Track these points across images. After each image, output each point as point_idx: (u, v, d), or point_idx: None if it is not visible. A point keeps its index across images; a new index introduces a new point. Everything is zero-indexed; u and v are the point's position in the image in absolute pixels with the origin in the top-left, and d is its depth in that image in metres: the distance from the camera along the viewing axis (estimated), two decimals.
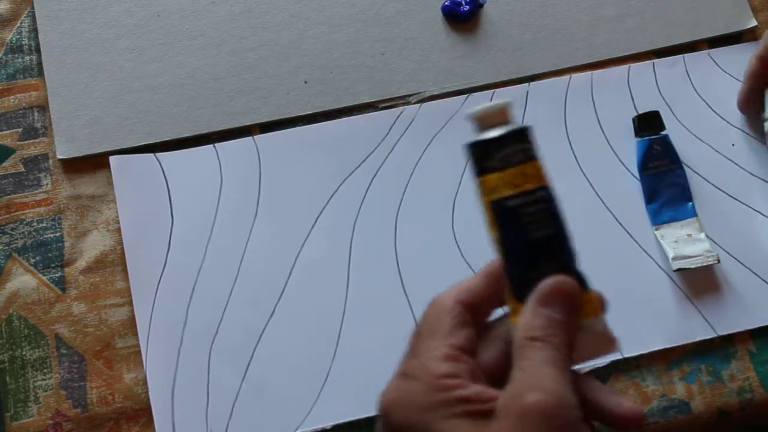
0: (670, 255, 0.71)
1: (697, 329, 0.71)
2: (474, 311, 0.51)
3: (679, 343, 0.70)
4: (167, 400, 0.68)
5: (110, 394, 0.69)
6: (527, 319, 0.48)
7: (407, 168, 0.75)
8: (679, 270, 0.71)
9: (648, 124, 0.75)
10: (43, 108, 0.77)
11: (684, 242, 0.72)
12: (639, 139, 0.75)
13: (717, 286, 0.72)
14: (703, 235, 0.72)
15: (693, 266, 0.71)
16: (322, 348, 0.70)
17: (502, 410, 0.46)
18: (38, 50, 0.79)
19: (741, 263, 0.72)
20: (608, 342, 0.49)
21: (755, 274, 0.72)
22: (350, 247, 0.73)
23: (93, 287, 0.72)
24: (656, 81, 0.78)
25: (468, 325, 0.50)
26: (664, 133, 0.74)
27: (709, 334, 0.71)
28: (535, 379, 0.46)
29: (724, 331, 0.71)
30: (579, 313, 0.48)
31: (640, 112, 0.75)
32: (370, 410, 0.68)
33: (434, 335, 0.50)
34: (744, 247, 0.73)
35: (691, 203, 0.73)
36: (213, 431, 0.68)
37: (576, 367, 0.48)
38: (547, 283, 0.48)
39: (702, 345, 0.71)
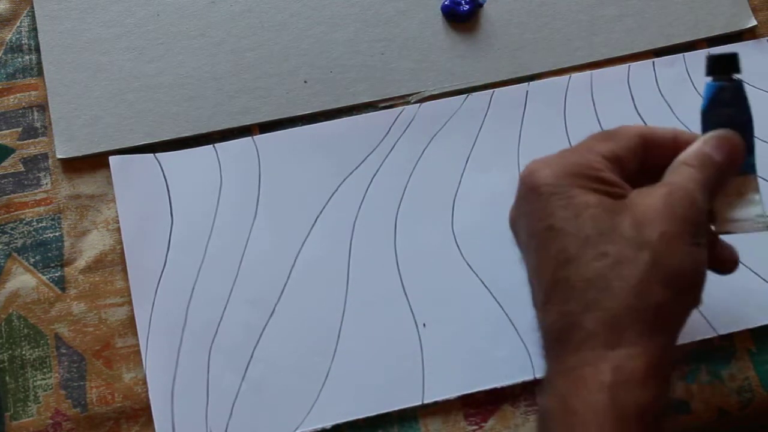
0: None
1: (697, 329, 0.71)
2: (648, 150, 0.58)
3: (679, 343, 0.70)
4: (167, 400, 0.68)
5: (110, 393, 0.69)
6: (689, 149, 0.57)
7: (407, 168, 0.75)
8: (723, 233, 0.63)
9: (723, 66, 0.64)
10: (43, 107, 0.77)
11: (737, 202, 0.63)
12: (709, 81, 0.64)
13: (717, 286, 0.71)
14: (758, 197, 0.63)
15: (740, 232, 0.62)
16: (322, 348, 0.70)
17: (635, 194, 0.55)
18: (38, 50, 0.79)
19: (741, 263, 0.72)
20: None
21: (755, 273, 0.72)
22: (350, 247, 0.73)
23: (93, 287, 0.72)
24: (656, 80, 0.78)
25: (636, 153, 0.58)
26: (738, 77, 0.64)
27: (709, 334, 0.71)
28: (673, 181, 0.55)
29: (724, 331, 0.71)
30: (736, 166, 0.58)
31: (715, 53, 0.64)
32: (370, 410, 0.69)
33: (602, 141, 0.58)
34: (744, 246, 0.73)
35: (753, 157, 0.63)
36: (213, 431, 0.68)
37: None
38: (721, 131, 0.58)
39: (702, 345, 0.71)
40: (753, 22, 0.80)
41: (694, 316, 0.70)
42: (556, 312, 0.53)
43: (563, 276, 0.53)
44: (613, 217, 0.53)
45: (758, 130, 0.76)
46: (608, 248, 0.52)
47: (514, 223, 0.59)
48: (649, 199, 0.54)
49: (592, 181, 0.55)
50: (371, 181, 0.74)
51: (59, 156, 0.75)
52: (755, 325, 0.71)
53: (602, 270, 0.52)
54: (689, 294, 0.55)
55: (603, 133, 0.59)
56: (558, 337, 0.53)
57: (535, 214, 0.55)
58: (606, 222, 0.53)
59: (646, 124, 0.76)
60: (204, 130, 0.76)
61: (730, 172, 0.58)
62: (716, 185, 0.57)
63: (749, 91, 0.78)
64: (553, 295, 0.53)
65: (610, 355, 0.50)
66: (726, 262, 0.62)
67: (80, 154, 0.75)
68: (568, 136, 0.76)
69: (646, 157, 0.58)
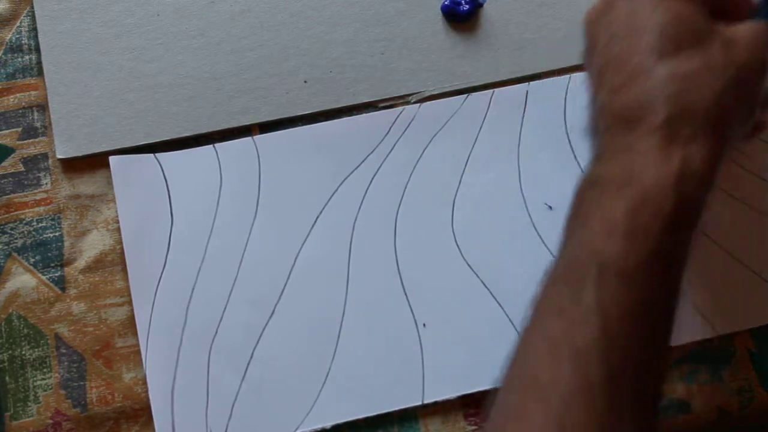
0: None
1: (697, 329, 0.71)
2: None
3: (679, 343, 0.70)
4: (167, 400, 0.68)
5: (110, 393, 0.69)
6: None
7: (407, 168, 0.75)
8: None
9: None
10: (43, 107, 0.77)
11: None
12: None
13: (717, 285, 0.72)
14: None
15: None
16: (322, 348, 0.70)
17: (722, 25, 0.58)
18: (38, 50, 0.79)
19: (741, 263, 0.72)
20: None
21: (755, 273, 0.72)
22: (350, 246, 0.73)
23: (93, 287, 0.72)
24: None
25: None
26: None
27: (709, 334, 0.71)
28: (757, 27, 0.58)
29: (724, 331, 0.71)
30: None
31: None
32: (370, 410, 0.69)
33: None
34: (744, 246, 0.73)
35: None
36: (213, 431, 0.68)
37: None
38: None
39: (702, 345, 0.71)
40: None
41: (695, 316, 0.71)
42: (636, 94, 0.56)
43: (650, 66, 0.56)
44: (707, 32, 0.57)
45: None
46: (701, 54, 0.56)
47: (594, 22, 0.62)
48: (740, 30, 0.58)
49: None
50: (371, 181, 0.74)
51: (59, 156, 0.75)
52: (755, 325, 0.71)
53: (692, 72, 0.55)
54: (744, 123, 0.59)
55: None
56: (630, 118, 0.56)
57: (632, 13, 0.58)
58: (701, 34, 0.56)
59: None
60: (204, 130, 0.76)
61: None
62: None
63: None
64: (636, 79, 0.56)
65: (681, 149, 0.53)
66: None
67: (80, 154, 0.75)
68: (568, 136, 0.76)
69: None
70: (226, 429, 0.68)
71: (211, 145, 0.76)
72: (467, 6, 0.79)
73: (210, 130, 0.76)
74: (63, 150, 0.75)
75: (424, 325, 0.70)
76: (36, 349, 0.70)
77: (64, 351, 0.70)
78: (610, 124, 0.57)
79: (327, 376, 0.69)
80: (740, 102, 0.57)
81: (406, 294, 0.71)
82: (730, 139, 0.56)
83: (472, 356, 0.70)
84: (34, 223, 0.73)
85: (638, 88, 0.56)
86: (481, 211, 0.73)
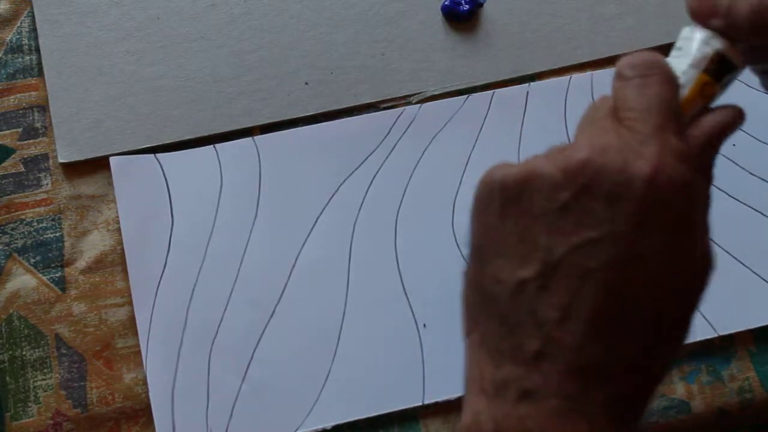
0: None
1: (697, 329, 0.70)
2: None
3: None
4: (167, 400, 0.68)
5: (110, 394, 0.69)
6: None
7: (407, 168, 0.75)
8: None
9: None
10: (43, 108, 0.77)
11: None
12: None
13: (717, 285, 0.71)
14: None
15: None
16: (322, 348, 0.70)
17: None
18: (38, 50, 0.79)
19: (741, 263, 0.72)
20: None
21: (755, 274, 0.72)
22: (350, 247, 0.73)
23: (93, 287, 0.72)
24: None
25: None
26: None
27: (709, 334, 0.71)
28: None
29: (724, 331, 0.71)
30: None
31: None
32: (370, 411, 0.69)
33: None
34: (744, 247, 0.73)
35: None
36: (213, 431, 0.68)
37: None
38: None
39: (702, 345, 0.71)
40: None
41: (695, 316, 0.70)
42: None
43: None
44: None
45: (758, 131, 0.76)
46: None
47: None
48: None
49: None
50: (372, 182, 0.74)
51: (61, 160, 0.75)
52: (755, 326, 0.71)
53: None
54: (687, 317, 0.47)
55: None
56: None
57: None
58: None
59: None
60: (205, 133, 0.77)
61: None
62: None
63: (746, 91, 0.79)
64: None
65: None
66: None
67: (82, 158, 0.75)
68: (568, 137, 0.76)
69: None
70: (227, 429, 0.68)
71: (211, 146, 0.76)
72: (467, 6, 0.79)
73: (211, 132, 0.77)
74: (65, 154, 0.75)
75: (424, 325, 0.70)
76: (36, 350, 0.70)
77: (64, 351, 0.70)
78: None
79: (327, 376, 0.69)
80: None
81: (406, 294, 0.71)
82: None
83: None
84: (35, 224, 0.73)
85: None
86: None
